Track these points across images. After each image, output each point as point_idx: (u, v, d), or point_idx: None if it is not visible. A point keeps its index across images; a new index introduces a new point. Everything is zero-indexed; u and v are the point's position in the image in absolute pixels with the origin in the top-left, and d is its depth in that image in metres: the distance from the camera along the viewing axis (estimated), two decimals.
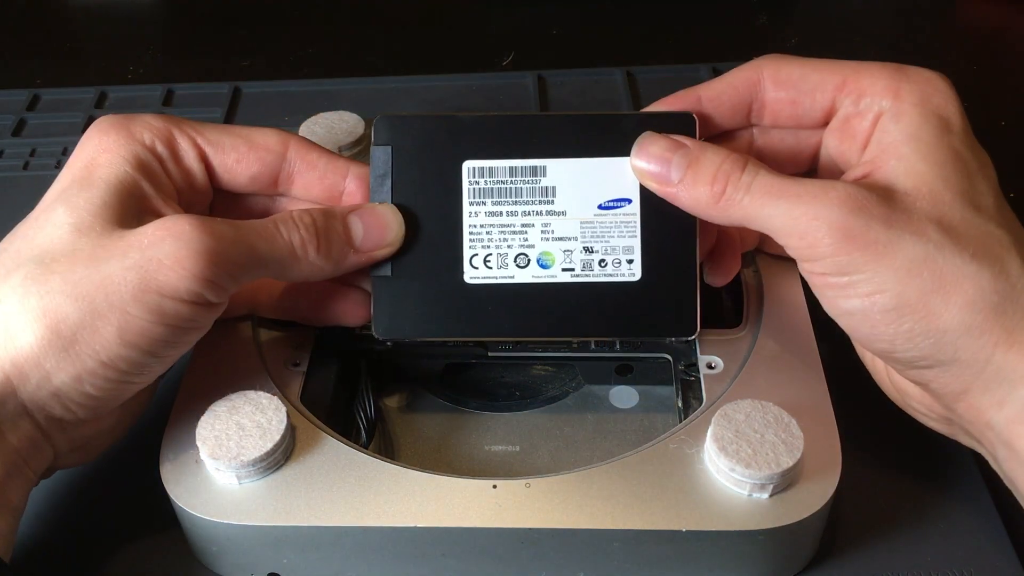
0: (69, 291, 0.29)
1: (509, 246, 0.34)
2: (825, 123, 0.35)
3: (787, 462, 0.31)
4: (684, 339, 0.36)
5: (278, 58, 0.68)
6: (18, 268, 0.30)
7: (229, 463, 0.32)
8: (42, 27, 0.74)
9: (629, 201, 0.34)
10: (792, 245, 0.31)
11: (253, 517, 0.32)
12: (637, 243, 0.34)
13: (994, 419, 0.30)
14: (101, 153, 0.32)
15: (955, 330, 0.29)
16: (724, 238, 0.37)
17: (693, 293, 0.35)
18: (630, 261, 0.34)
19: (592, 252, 0.34)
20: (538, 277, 0.34)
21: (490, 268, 0.34)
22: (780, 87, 0.34)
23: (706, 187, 0.32)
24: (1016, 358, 0.29)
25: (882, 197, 0.30)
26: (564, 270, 0.34)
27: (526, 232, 0.34)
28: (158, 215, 0.32)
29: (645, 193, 0.34)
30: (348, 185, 0.36)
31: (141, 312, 0.29)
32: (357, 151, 0.47)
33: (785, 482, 0.31)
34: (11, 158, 0.56)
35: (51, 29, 0.74)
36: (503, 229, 0.34)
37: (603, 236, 0.34)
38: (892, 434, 0.37)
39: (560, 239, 0.34)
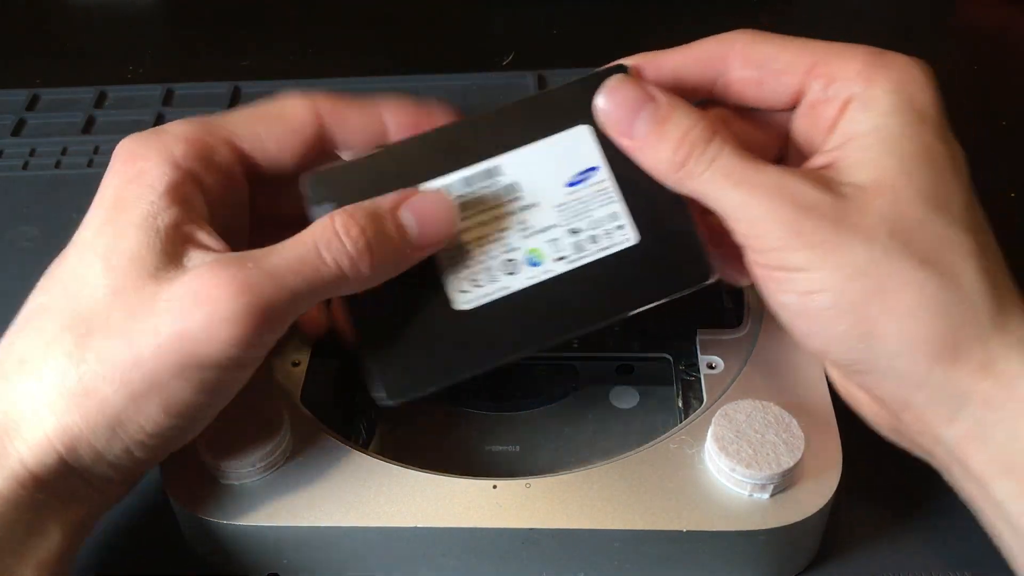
0: (106, 373, 0.28)
1: (492, 257, 0.32)
2: (793, 105, 0.33)
3: (788, 462, 0.31)
4: (704, 284, 0.32)
5: (278, 58, 0.68)
6: (57, 340, 0.29)
7: (229, 463, 0.32)
8: (42, 27, 0.74)
9: (596, 168, 0.32)
10: (741, 232, 0.30)
11: (253, 517, 0.32)
12: (620, 206, 0.32)
13: (944, 435, 0.29)
14: (128, 185, 0.31)
15: (891, 337, 0.28)
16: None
17: (696, 236, 0.32)
18: (620, 227, 0.32)
19: (578, 233, 0.32)
20: (534, 277, 0.32)
21: (480, 287, 0.31)
22: (748, 65, 0.32)
23: (668, 152, 0.30)
24: (962, 374, 0.28)
25: (837, 197, 0.29)
26: (557, 260, 0.32)
27: (504, 236, 0.32)
28: (193, 241, 0.30)
29: (608, 153, 0.32)
30: (388, 126, 0.33)
31: (183, 386, 0.28)
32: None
33: (786, 482, 0.31)
34: (11, 158, 0.56)
35: (51, 29, 0.74)
36: (480, 242, 0.32)
37: (583, 212, 0.32)
38: None
39: (541, 231, 0.32)
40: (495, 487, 0.32)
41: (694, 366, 0.37)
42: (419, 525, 0.31)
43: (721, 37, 0.33)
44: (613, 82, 0.32)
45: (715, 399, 0.35)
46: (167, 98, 0.61)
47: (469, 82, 0.62)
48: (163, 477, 0.33)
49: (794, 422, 0.32)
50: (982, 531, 0.35)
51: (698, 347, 0.38)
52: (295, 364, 0.37)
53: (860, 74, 0.30)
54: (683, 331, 0.39)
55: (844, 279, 0.28)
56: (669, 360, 0.39)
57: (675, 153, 0.30)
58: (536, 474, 0.33)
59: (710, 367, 0.37)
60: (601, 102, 0.32)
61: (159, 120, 0.59)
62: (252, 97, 0.61)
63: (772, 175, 0.29)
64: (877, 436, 0.37)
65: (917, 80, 0.30)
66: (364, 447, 0.35)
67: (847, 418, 0.34)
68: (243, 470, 0.32)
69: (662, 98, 0.31)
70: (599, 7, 0.72)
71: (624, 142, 0.32)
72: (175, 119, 0.60)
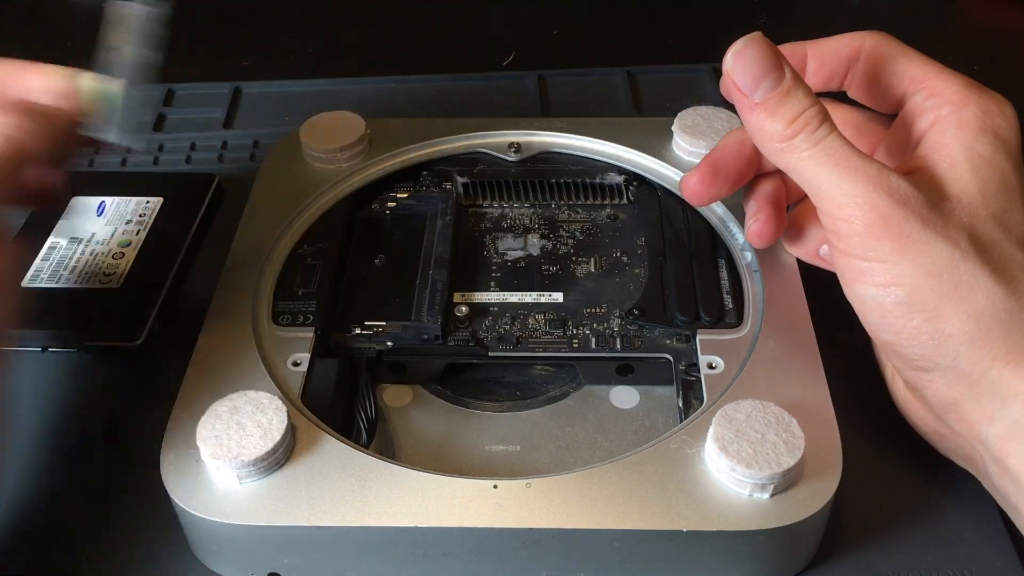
0: None
1: None
2: (894, 111, 0.35)
3: (788, 462, 0.31)
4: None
5: (278, 58, 0.68)
6: None
7: (229, 463, 0.32)
8: (42, 27, 0.74)
9: None
10: (830, 213, 0.32)
11: (253, 517, 0.32)
12: None
13: (984, 433, 0.31)
14: None
15: (959, 336, 0.30)
16: (768, 191, 0.37)
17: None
18: None
19: None
20: None
21: None
22: (868, 64, 0.35)
23: (780, 126, 0.32)
24: (1011, 375, 0.30)
25: (927, 198, 0.31)
26: None
27: None
28: None
29: None
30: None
31: None
32: (358, 151, 0.47)
33: (786, 482, 0.31)
34: None
35: (51, 29, 0.74)
36: None
37: None
38: (892, 434, 0.37)
39: None
40: (495, 487, 0.32)
41: (694, 366, 0.37)
42: (419, 525, 0.31)
43: (855, 34, 0.36)
44: (750, 38, 0.32)
45: (715, 399, 0.35)
46: (167, 98, 0.61)
47: (469, 82, 0.62)
48: (163, 477, 0.33)
49: (794, 422, 0.32)
50: (982, 531, 0.35)
51: (698, 347, 0.38)
52: (295, 364, 0.37)
53: (958, 94, 0.33)
54: (683, 331, 0.39)
55: (923, 275, 0.30)
56: (669, 360, 0.39)
57: (787, 128, 0.32)
58: (536, 474, 0.33)
59: (710, 367, 0.37)
60: (732, 53, 0.32)
61: (160, 120, 0.59)
62: (252, 97, 0.61)
63: (872, 164, 0.31)
64: (877, 436, 0.38)
65: (1005, 114, 0.33)
66: (364, 447, 0.35)
67: (847, 418, 0.34)
68: (244, 470, 0.32)
69: (789, 71, 0.32)
70: (599, 7, 0.72)
71: (739, 98, 0.33)
72: (176, 119, 0.60)
